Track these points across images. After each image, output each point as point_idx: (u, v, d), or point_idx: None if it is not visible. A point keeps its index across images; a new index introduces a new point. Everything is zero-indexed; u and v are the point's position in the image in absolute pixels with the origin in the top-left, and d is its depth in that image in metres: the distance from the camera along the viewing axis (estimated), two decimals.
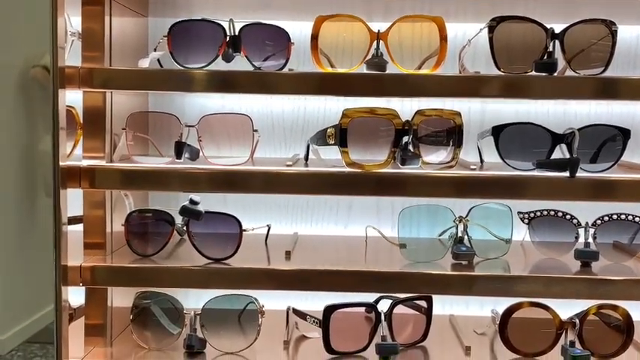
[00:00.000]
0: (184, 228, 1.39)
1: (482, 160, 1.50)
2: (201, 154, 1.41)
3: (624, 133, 1.37)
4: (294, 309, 1.52)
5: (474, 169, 1.37)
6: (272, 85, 1.32)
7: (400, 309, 1.44)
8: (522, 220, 1.46)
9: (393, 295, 1.46)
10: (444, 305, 1.68)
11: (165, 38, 1.36)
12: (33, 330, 3.65)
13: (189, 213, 1.35)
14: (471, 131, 1.57)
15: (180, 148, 1.37)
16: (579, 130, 1.33)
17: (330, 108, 1.68)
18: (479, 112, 1.66)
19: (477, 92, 1.31)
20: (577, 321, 1.37)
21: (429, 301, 1.47)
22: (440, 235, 1.43)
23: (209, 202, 1.41)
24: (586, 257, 1.38)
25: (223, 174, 1.33)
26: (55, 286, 1.32)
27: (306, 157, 1.49)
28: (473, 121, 1.64)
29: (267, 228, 1.54)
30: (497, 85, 1.30)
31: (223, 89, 1.32)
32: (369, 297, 1.43)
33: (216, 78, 1.31)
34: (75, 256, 1.36)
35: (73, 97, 1.41)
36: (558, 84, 1.30)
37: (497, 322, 1.40)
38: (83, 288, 1.41)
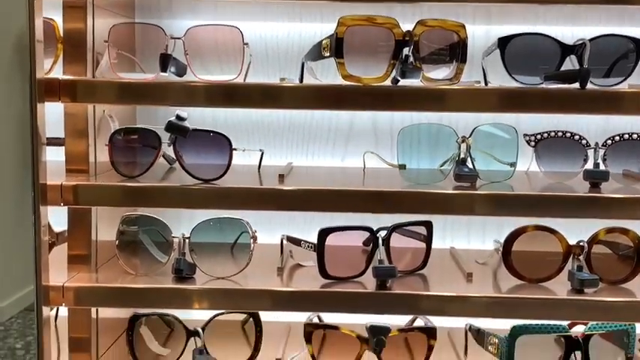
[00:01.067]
0: (171, 147, 1.32)
1: (486, 82, 1.41)
2: (188, 69, 1.33)
3: (638, 45, 1.29)
4: (288, 236, 1.45)
5: (478, 86, 1.29)
6: None
7: (399, 237, 1.37)
8: (528, 142, 1.39)
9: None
10: (444, 239, 1.61)
11: None
12: (32, 298, 3.62)
13: (176, 129, 1.28)
14: (475, 55, 1.48)
15: (165, 61, 1.29)
16: (590, 40, 1.25)
17: (328, 32, 1.59)
18: (483, 37, 1.57)
19: None
20: (585, 245, 1.30)
21: (429, 227, 1.40)
22: (441, 158, 1.36)
23: (198, 125, 1.34)
24: (596, 177, 1.31)
25: (219, 87, 1.26)
26: (33, 204, 1.24)
27: (301, 78, 1.40)
28: (477, 46, 1.55)
29: (260, 153, 1.47)
30: None
31: None
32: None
33: None
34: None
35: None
36: None
37: (501, 248, 1.33)
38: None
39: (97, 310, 1.38)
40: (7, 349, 3.15)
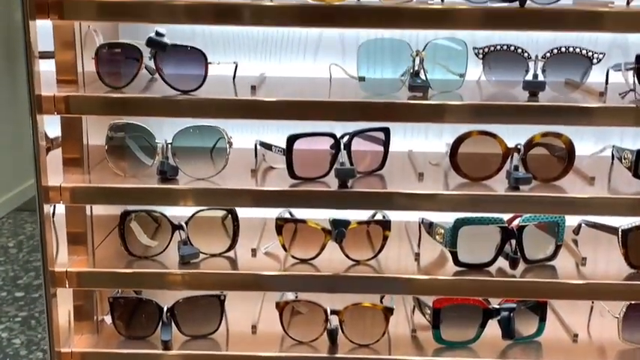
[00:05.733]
0: (152, 61, 1.45)
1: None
2: None
3: None
4: (260, 141, 1.61)
5: (430, 5, 1.42)
6: None
7: (360, 142, 1.53)
8: (477, 55, 1.53)
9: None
10: (405, 141, 1.78)
11: None
12: (22, 199, 3.79)
13: (156, 44, 1.41)
14: None
15: None
16: None
17: None
18: None
19: None
20: (522, 147, 1.48)
21: (387, 133, 1.56)
22: (398, 71, 1.50)
23: (177, 40, 1.46)
24: (533, 87, 1.47)
25: (197, 5, 1.37)
26: (30, 115, 1.39)
27: None
28: None
29: (234, 65, 1.60)
30: None
31: None
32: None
33: None
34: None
35: None
36: None
37: (449, 150, 1.51)
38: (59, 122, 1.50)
39: (91, 208, 1.56)
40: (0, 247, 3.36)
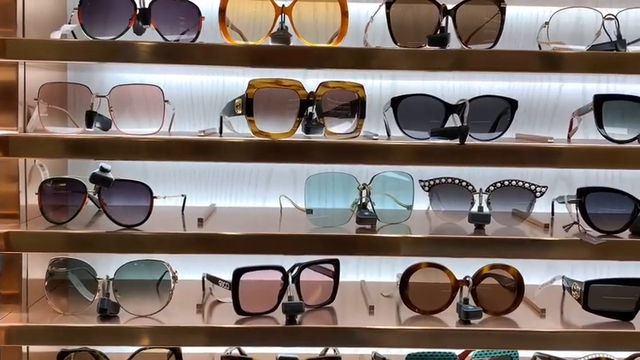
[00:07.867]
0: (97, 196, 1.43)
1: (388, 133, 1.57)
2: (112, 124, 1.45)
3: (512, 104, 1.46)
4: (208, 275, 1.57)
5: (375, 139, 1.45)
6: (180, 55, 1.37)
7: (309, 274, 1.51)
8: (423, 187, 1.55)
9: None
10: (357, 272, 1.76)
11: (77, 11, 1.40)
12: None
13: (100, 180, 1.40)
14: (383, 106, 1.64)
15: (90, 118, 1.41)
16: (470, 101, 1.42)
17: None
18: (389, 88, 1.74)
19: (376, 64, 1.39)
20: (471, 280, 1.46)
21: (337, 264, 1.54)
22: (345, 203, 1.50)
23: (129, 174, 1.46)
24: (478, 220, 1.48)
25: (143, 142, 1.38)
26: None
27: (220, 130, 1.54)
28: (384, 95, 1.72)
29: (182, 198, 1.59)
30: (391, 56, 1.39)
31: (125, 58, 1.36)
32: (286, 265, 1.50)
33: (114, 45, 1.36)
34: None
35: None
36: (453, 56, 1.39)
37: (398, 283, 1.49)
38: None
39: (27, 348, 1.48)
40: None
